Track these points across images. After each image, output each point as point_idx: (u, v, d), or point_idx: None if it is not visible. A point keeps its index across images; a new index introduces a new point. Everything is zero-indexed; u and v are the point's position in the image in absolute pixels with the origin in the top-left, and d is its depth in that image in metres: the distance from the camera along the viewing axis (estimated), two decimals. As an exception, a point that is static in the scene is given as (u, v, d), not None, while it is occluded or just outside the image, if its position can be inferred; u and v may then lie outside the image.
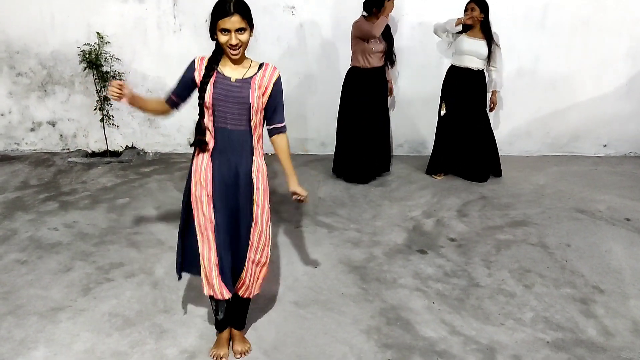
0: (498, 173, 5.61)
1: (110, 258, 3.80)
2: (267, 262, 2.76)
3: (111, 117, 6.10)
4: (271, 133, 2.69)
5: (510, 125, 6.36)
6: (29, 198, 4.87)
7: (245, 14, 2.38)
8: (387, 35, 5.23)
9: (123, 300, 3.29)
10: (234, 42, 2.36)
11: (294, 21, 5.92)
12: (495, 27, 5.44)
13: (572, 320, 3.17)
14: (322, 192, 5.14)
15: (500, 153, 6.37)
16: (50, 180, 5.37)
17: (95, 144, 6.29)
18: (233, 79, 2.46)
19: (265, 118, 2.63)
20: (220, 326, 2.87)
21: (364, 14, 5.12)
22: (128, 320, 3.09)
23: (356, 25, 5.09)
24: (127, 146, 6.34)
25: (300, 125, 6.29)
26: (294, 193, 2.69)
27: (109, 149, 6.22)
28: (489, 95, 5.44)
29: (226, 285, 2.63)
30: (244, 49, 2.45)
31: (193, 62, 2.52)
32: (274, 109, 2.61)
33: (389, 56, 5.32)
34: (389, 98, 5.62)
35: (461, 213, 4.71)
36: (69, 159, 5.94)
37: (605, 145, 6.49)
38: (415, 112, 6.20)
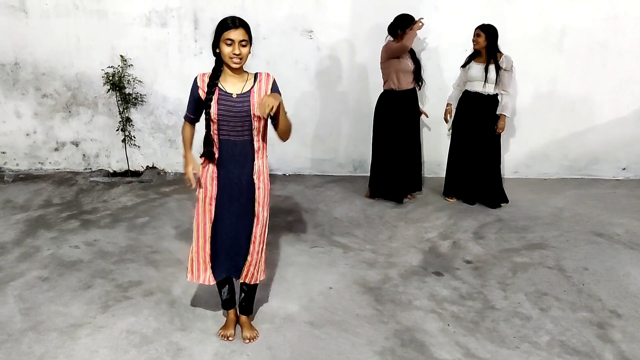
0: (501, 201, 5.42)
1: (129, 276, 3.87)
2: (265, 247, 3.01)
3: (133, 138, 6.23)
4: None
5: (528, 147, 6.36)
6: (51, 216, 4.98)
7: (248, 29, 2.67)
8: (414, 58, 5.32)
9: (141, 318, 3.34)
10: (237, 51, 2.62)
11: (312, 44, 6.02)
12: (512, 50, 5.46)
13: (588, 344, 3.14)
14: (338, 213, 5.17)
15: (517, 175, 6.39)
16: (73, 199, 5.48)
17: (117, 164, 6.42)
18: (234, 95, 2.71)
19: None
20: (226, 305, 3.18)
21: (390, 38, 5.25)
22: (145, 338, 3.13)
23: (385, 48, 5.20)
24: (147, 166, 6.45)
25: (317, 146, 6.36)
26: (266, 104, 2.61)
27: (130, 168, 6.34)
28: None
29: (221, 272, 2.99)
30: (244, 62, 2.70)
31: (195, 80, 2.80)
32: None
33: (418, 77, 5.37)
34: (425, 118, 5.78)
35: (477, 235, 4.70)
36: (91, 179, 6.06)
37: (624, 169, 6.44)
38: (432, 134, 6.23)
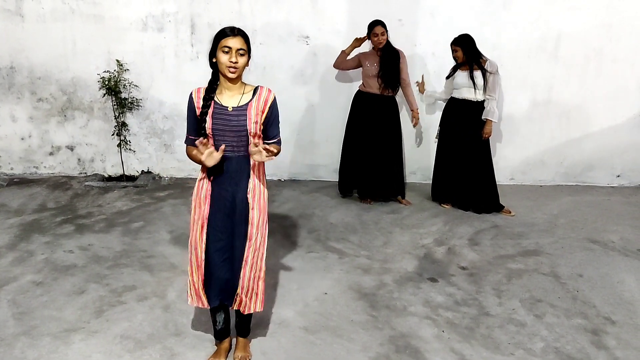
0: (497, 208, 5.42)
1: (123, 281, 3.85)
2: (263, 275, 2.87)
3: (128, 142, 6.22)
4: None
5: (524, 154, 6.38)
6: (46, 221, 4.96)
7: (247, 39, 2.57)
8: (388, 62, 5.35)
9: (135, 323, 3.32)
10: (234, 59, 2.51)
11: (308, 50, 6.03)
12: (508, 57, 5.48)
13: (583, 351, 3.14)
14: (334, 218, 5.17)
15: (513, 182, 6.40)
16: (67, 203, 5.46)
17: (112, 169, 6.40)
18: (230, 108, 2.59)
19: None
20: (219, 336, 3.02)
21: None
22: (139, 343, 3.12)
23: None
24: (142, 171, 6.44)
25: (312, 151, 6.37)
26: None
27: (125, 173, 6.32)
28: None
29: (214, 297, 2.81)
30: (241, 72, 2.59)
31: (191, 95, 2.65)
32: (269, 125, 2.70)
33: (387, 82, 5.38)
34: (414, 127, 5.89)
35: (473, 241, 4.71)
36: (86, 183, 6.05)
37: (619, 176, 6.47)
38: (428, 140, 6.25)
